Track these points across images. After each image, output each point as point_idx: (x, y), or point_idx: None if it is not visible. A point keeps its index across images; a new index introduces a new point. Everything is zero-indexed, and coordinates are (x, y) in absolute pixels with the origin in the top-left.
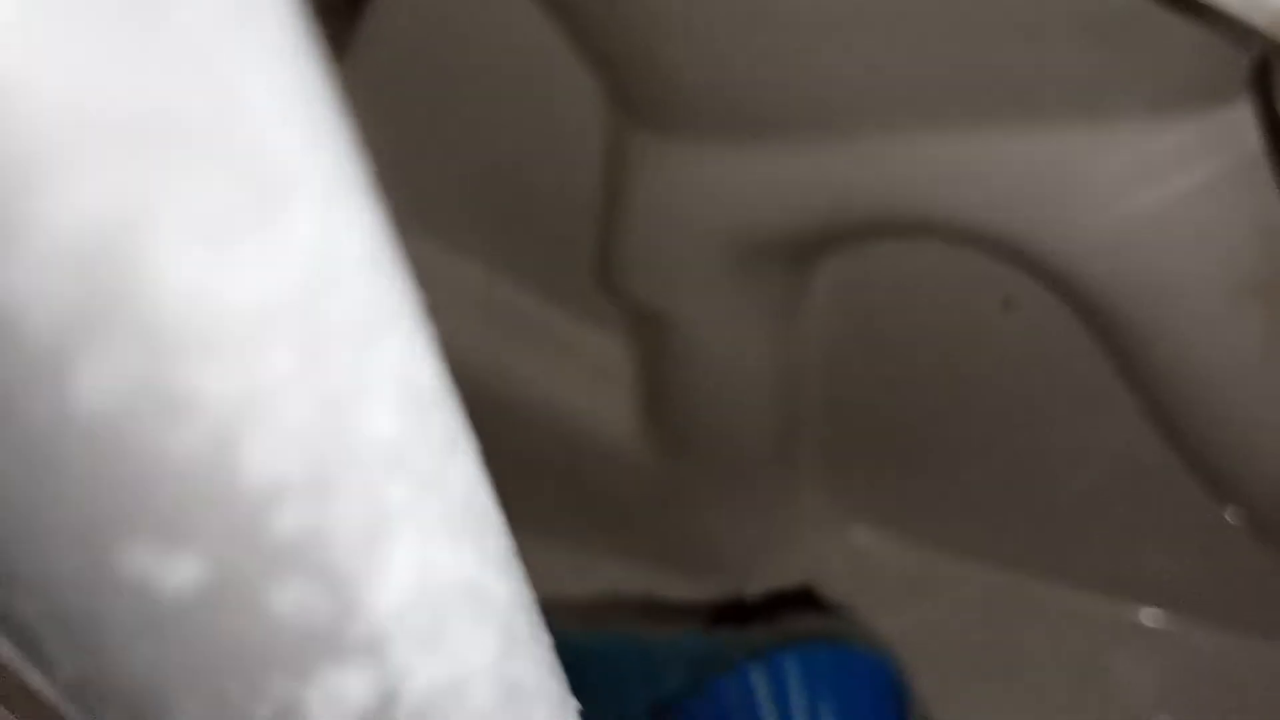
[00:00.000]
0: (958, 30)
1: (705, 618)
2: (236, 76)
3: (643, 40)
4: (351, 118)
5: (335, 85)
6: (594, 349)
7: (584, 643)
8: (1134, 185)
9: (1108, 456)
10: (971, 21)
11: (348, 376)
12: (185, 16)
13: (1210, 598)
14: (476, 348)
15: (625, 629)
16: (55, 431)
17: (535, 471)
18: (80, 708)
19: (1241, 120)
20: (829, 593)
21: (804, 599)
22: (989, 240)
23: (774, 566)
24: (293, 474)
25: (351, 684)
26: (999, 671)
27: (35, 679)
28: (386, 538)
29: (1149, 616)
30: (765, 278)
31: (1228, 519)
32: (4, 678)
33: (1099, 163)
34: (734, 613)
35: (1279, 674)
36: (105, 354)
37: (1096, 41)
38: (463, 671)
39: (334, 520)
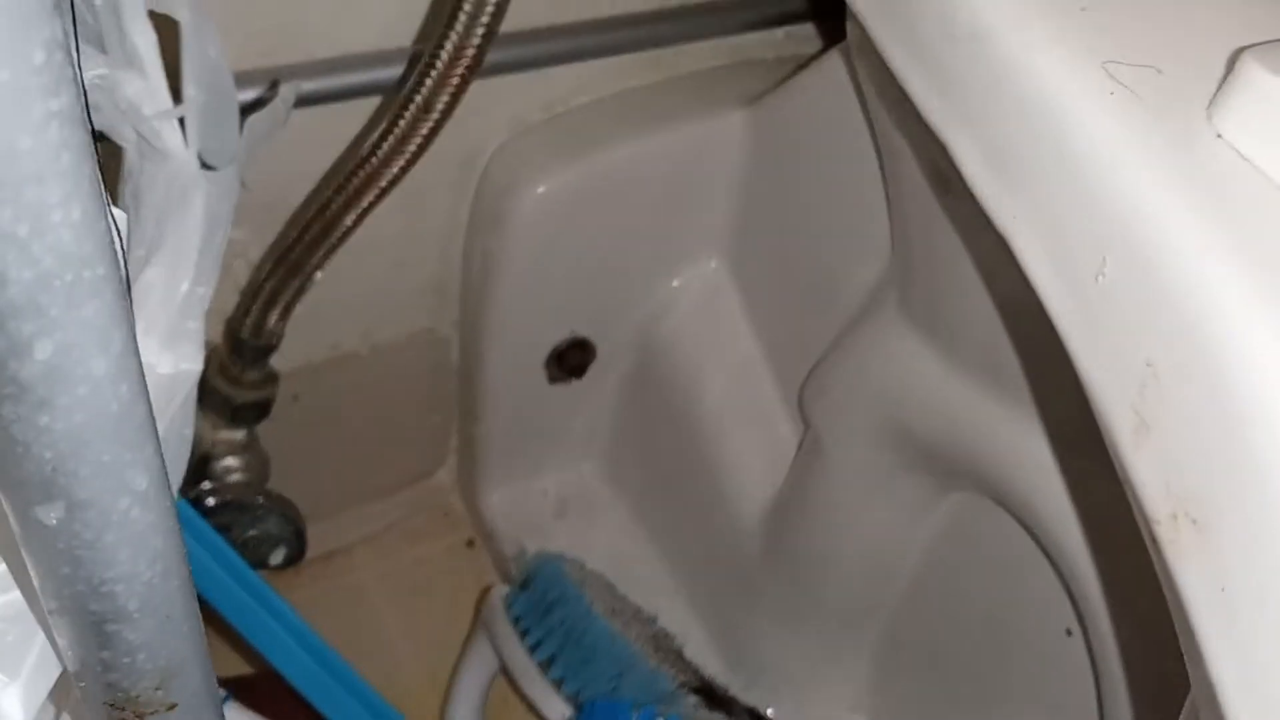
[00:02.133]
0: None
1: (694, 681)
2: None
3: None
4: None
5: None
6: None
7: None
8: None
9: None
10: None
11: None
12: None
13: None
14: None
15: (639, 638)
16: None
17: (680, 490)
18: None
19: None
20: None
21: (755, 717)
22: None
23: (773, 693)
24: None
25: None
26: None
27: None
28: None
29: None
30: (906, 470)
31: None
32: None
33: None
34: (712, 696)
35: None
36: None
37: None
38: None
39: None
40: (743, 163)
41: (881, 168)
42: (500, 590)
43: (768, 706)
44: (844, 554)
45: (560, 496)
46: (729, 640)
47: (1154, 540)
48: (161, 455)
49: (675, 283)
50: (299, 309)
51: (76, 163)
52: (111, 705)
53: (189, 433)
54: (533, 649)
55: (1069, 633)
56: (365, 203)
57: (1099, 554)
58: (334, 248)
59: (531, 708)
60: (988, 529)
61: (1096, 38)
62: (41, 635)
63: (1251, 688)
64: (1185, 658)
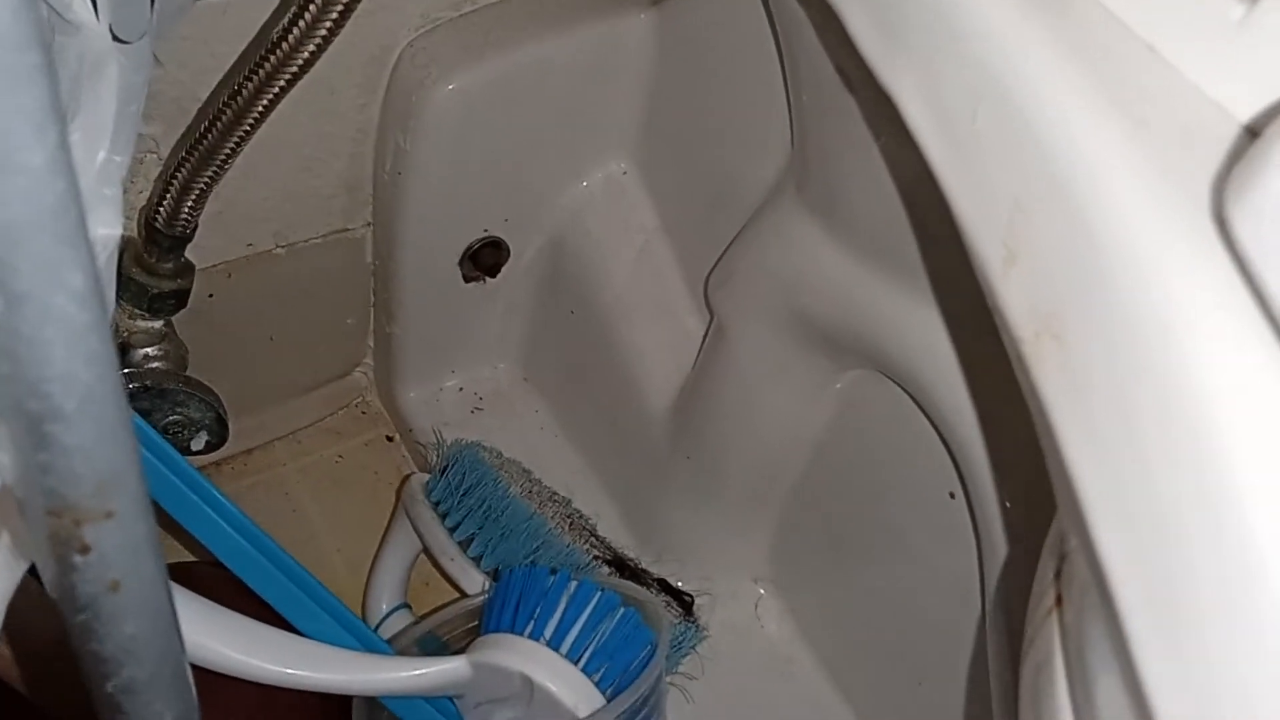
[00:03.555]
0: None
1: (607, 555)
2: None
3: (820, 151)
4: None
5: None
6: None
7: (524, 507)
8: None
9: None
10: None
11: None
12: None
13: None
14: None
15: (555, 517)
16: None
17: (592, 385)
18: None
19: None
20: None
21: (664, 586)
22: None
23: (682, 567)
24: None
25: None
26: None
27: None
28: None
29: None
30: (806, 352)
31: None
32: None
33: None
34: (624, 568)
35: None
36: None
37: None
38: None
39: None
40: (649, 63)
41: (782, 66)
42: (419, 477)
43: (676, 579)
44: (746, 434)
45: (476, 393)
46: (639, 519)
47: (1020, 359)
48: (95, 263)
49: (584, 182)
50: (213, 208)
51: None
52: (50, 514)
53: (111, 296)
54: (452, 530)
55: (951, 495)
56: (274, 90)
57: (982, 419)
58: (245, 137)
59: (453, 584)
60: (878, 405)
61: None
62: None
63: (1105, 471)
64: (1049, 465)
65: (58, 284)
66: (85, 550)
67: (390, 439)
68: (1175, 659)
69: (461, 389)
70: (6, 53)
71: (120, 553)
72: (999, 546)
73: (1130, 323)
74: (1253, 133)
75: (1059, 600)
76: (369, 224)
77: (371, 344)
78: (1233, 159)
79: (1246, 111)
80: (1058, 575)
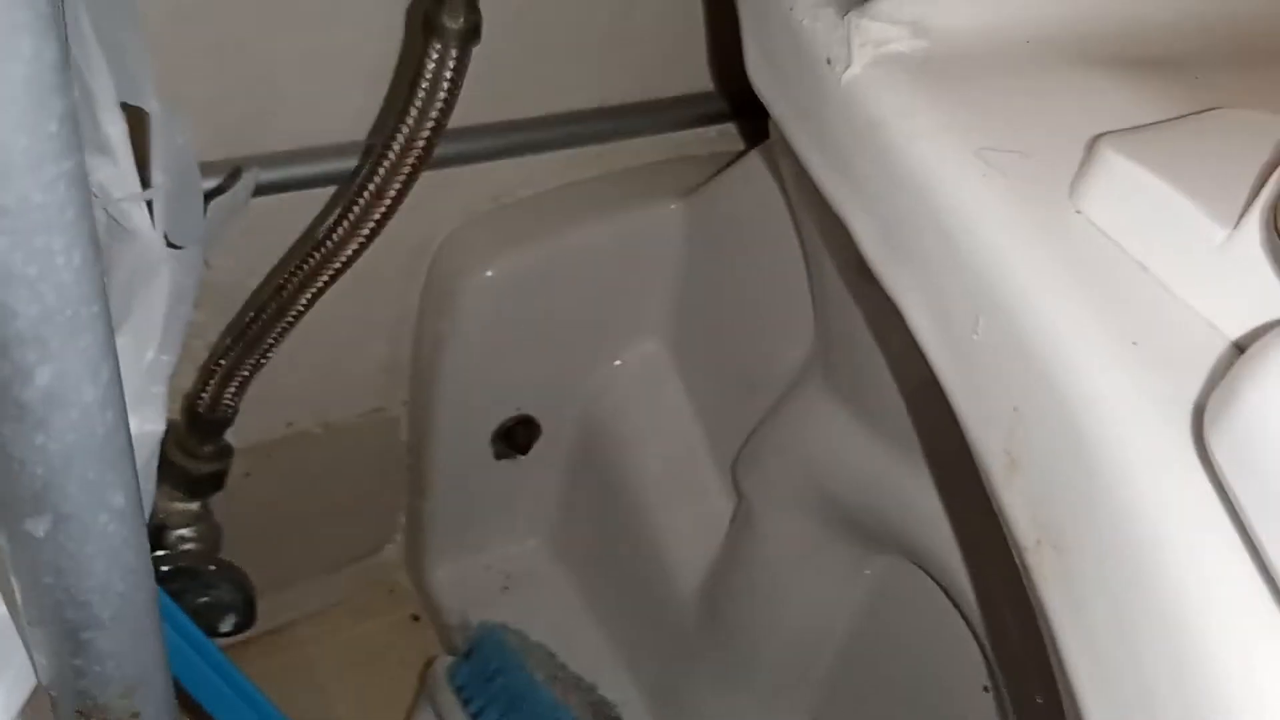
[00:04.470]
0: None
1: None
2: None
3: (844, 339)
4: None
5: None
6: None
7: (548, 696)
8: None
9: None
10: None
11: None
12: None
13: None
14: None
15: (579, 705)
16: None
17: (620, 564)
18: None
19: None
20: None
21: None
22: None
23: None
24: None
25: None
26: None
27: None
28: None
29: None
30: (834, 537)
31: None
32: None
33: None
34: None
35: None
36: None
37: None
38: None
39: None
40: (679, 250)
41: (805, 256)
42: (444, 661)
43: None
44: (776, 620)
45: (505, 571)
46: (667, 708)
47: (1024, 566)
48: (137, 479)
49: (616, 363)
50: (255, 389)
51: (79, 216)
52: (80, 713)
53: (151, 488)
54: (475, 716)
55: (986, 689)
56: (319, 284)
57: (1011, 610)
58: (289, 327)
59: None
60: (910, 591)
61: (973, 127)
62: (17, 650)
63: (1101, 679)
64: (1055, 672)
65: (101, 504)
66: None
67: (416, 618)
68: None
69: (489, 567)
70: (72, 305)
71: None
72: None
73: (1122, 538)
74: (1240, 348)
75: None
76: (405, 403)
77: (402, 522)
78: (1215, 378)
79: (1234, 328)
80: None
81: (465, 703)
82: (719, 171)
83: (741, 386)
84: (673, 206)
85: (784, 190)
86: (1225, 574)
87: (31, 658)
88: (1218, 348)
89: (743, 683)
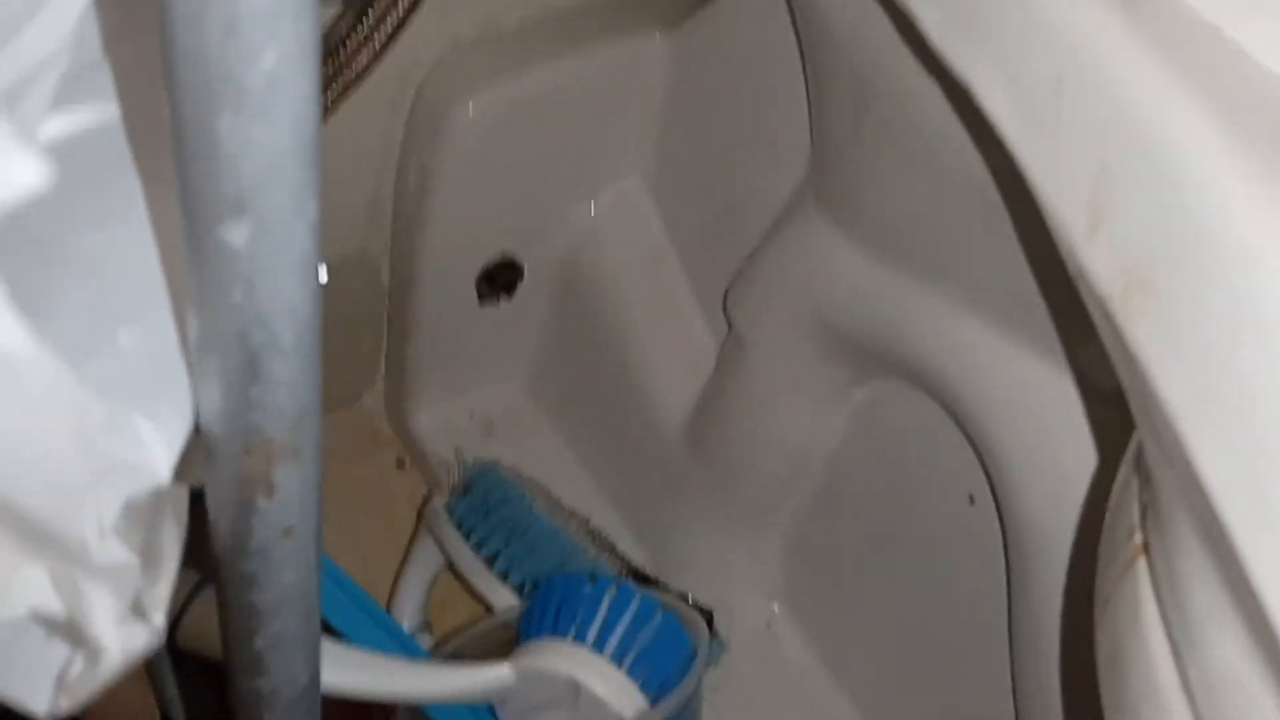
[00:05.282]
0: None
1: (629, 570)
2: None
3: (846, 158)
4: None
5: None
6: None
7: (548, 523)
8: None
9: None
10: None
11: None
12: None
13: None
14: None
15: (578, 532)
16: None
17: (605, 403)
18: None
19: None
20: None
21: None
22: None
23: (698, 584)
24: None
25: None
26: None
27: None
28: None
29: None
30: (825, 364)
31: None
32: None
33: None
34: (643, 582)
35: None
36: None
37: None
38: None
39: None
40: (664, 83)
41: (806, 76)
42: (440, 498)
43: (691, 595)
44: (762, 446)
45: (488, 415)
46: (655, 537)
47: (1108, 316)
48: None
49: (597, 202)
50: None
51: None
52: (246, 452)
53: None
54: (478, 548)
55: (971, 499)
56: (331, 97)
57: (1014, 417)
58: None
59: (480, 601)
60: (893, 415)
61: None
62: (178, 383)
63: (1202, 404)
64: (1133, 408)
65: (300, 213)
66: (271, 492)
67: (401, 464)
68: None
69: (474, 412)
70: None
71: (300, 495)
72: (1031, 544)
73: (1227, 262)
74: None
75: (1145, 547)
76: (387, 246)
77: (383, 368)
78: None
79: None
80: (1140, 525)
81: (466, 535)
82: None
83: (727, 222)
84: (658, 35)
85: (789, 2)
86: None
87: (195, 393)
88: None
89: (727, 510)
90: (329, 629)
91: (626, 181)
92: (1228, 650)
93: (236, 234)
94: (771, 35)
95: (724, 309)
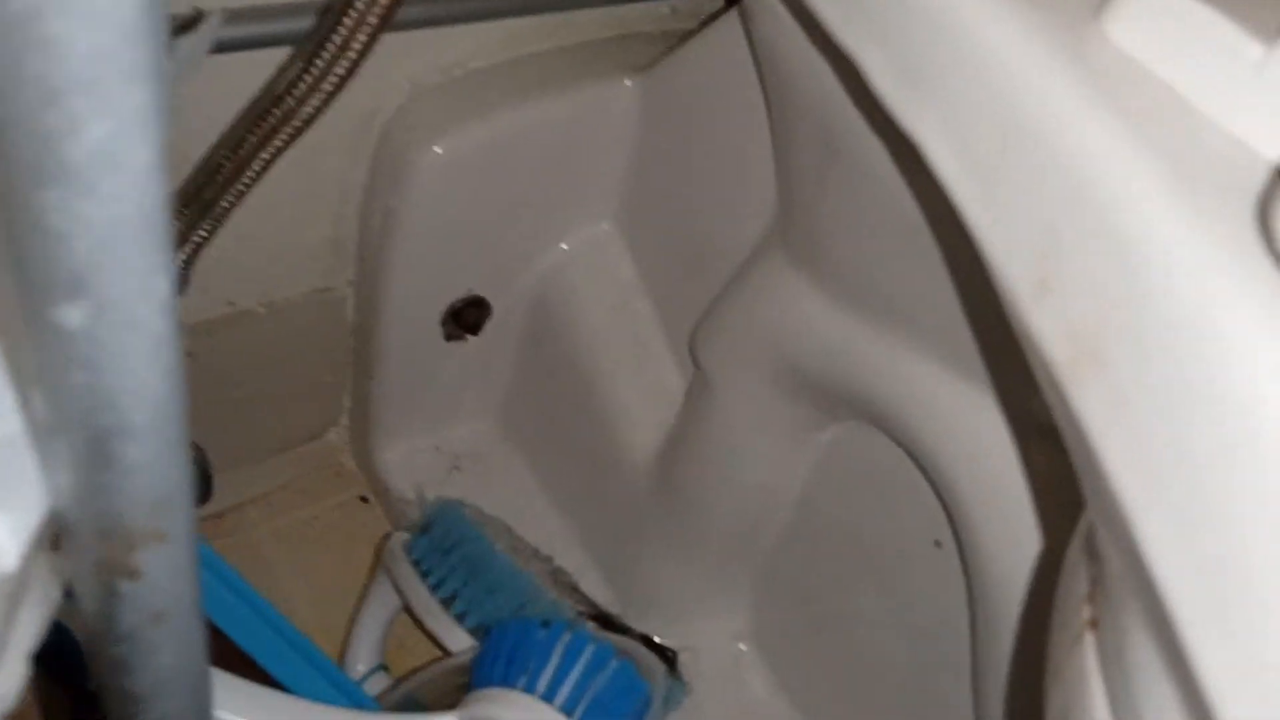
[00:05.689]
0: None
1: (591, 611)
2: None
3: (811, 207)
4: None
5: None
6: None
7: (509, 563)
8: None
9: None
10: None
11: None
12: None
13: None
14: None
15: (539, 574)
16: None
17: (572, 442)
18: None
19: None
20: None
21: (647, 642)
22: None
23: (664, 624)
24: None
25: None
26: None
27: None
28: None
29: None
30: (790, 406)
31: None
32: None
33: None
34: (607, 624)
35: None
36: None
37: None
38: None
39: None
40: (633, 127)
41: (771, 126)
42: (400, 535)
43: (658, 635)
44: (729, 486)
45: (454, 452)
46: (621, 577)
47: (1055, 384)
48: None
49: (567, 243)
50: (198, 267)
51: None
52: (103, 537)
53: None
54: (435, 588)
55: (938, 544)
56: (279, 142)
57: (973, 463)
58: (245, 189)
59: (435, 643)
60: (860, 456)
61: None
62: (27, 471)
63: (1151, 481)
64: (1083, 482)
65: (144, 290)
66: (135, 576)
67: (364, 500)
68: (1232, 649)
69: (439, 448)
70: (130, 47)
71: (169, 578)
72: (992, 590)
73: (1178, 334)
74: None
75: (1093, 623)
76: (351, 282)
77: (347, 405)
78: (1272, 185)
79: (1271, 149)
80: (1089, 598)
81: (424, 575)
82: (675, 47)
83: (693, 263)
84: (628, 81)
85: (754, 55)
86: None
87: (45, 477)
88: (1258, 164)
89: (695, 550)
90: (270, 679)
91: (597, 223)
92: None
93: (72, 315)
94: (740, 82)
95: (690, 349)
